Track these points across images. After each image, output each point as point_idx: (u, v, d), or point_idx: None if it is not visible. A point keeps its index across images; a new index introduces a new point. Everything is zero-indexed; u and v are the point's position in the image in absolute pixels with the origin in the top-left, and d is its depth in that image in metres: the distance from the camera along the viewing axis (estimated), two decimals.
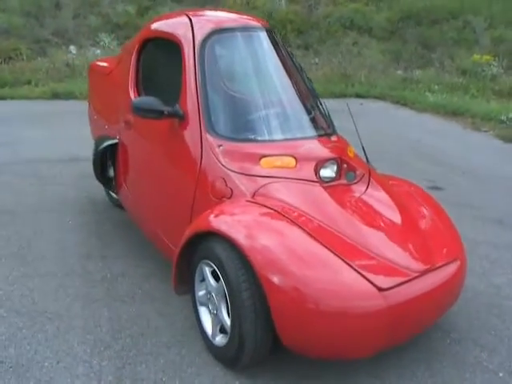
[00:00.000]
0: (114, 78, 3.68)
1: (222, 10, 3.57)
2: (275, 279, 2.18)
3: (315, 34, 13.06)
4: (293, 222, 2.38)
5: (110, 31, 11.80)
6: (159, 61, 3.41)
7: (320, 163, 2.69)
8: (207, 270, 2.53)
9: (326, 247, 2.29)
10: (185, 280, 2.70)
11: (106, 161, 3.60)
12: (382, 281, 2.25)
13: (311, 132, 2.88)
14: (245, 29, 3.02)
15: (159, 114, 2.81)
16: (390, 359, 2.60)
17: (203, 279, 2.61)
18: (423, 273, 2.38)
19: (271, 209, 2.44)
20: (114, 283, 3.22)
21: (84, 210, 4.32)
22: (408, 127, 7.88)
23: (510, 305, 3.20)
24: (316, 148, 2.80)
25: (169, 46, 3.12)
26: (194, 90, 2.82)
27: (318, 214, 2.47)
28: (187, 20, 3.05)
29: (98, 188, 4.60)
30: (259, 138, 2.76)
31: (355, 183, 2.76)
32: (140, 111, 2.83)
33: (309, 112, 2.94)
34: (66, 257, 3.51)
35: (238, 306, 2.27)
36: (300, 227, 2.36)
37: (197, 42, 2.89)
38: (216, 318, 2.50)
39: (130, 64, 3.41)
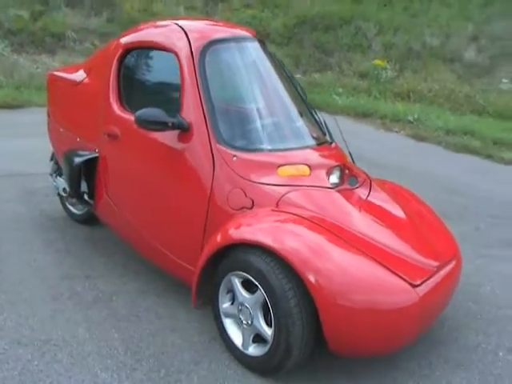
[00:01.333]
0: (87, 89, 3.52)
1: (197, 19, 3.55)
2: (323, 285, 2.25)
3: None
4: (325, 229, 2.46)
5: (2, 37, 11.05)
6: (146, 71, 3.32)
7: (329, 170, 2.80)
8: (237, 282, 2.53)
9: (361, 251, 2.40)
10: (200, 294, 2.67)
11: (81, 175, 3.43)
12: (413, 277, 2.41)
13: (315, 141, 2.98)
14: (240, 39, 3.06)
15: (164, 126, 2.76)
16: (403, 351, 2.74)
17: (228, 291, 2.61)
18: (438, 268, 2.58)
19: (301, 216, 2.51)
20: (110, 303, 3.09)
21: (44, 227, 4.07)
22: None
23: (481, 291, 3.51)
24: (325, 156, 2.91)
25: (159, 55, 3.07)
26: (197, 101, 2.79)
27: (341, 219, 2.58)
28: (179, 29, 3.01)
29: (50, 203, 4.39)
30: (272, 148, 2.81)
31: (357, 188, 2.90)
32: (144, 123, 2.76)
33: (310, 121, 3.04)
34: (45, 279, 3.30)
35: (284, 315, 2.31)
36: (333, 233, 2.45)
37: (195, 52, 2.87)
38: (250, 328, 2.51)
39: (110, 74, 3.28)
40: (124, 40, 3.33)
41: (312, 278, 2.26)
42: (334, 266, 2.32)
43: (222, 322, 2.67)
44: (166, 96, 3.14)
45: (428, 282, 2.46)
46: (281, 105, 3.00)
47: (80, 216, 4.12)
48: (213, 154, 2.73)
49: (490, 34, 13.44)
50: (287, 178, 2.70)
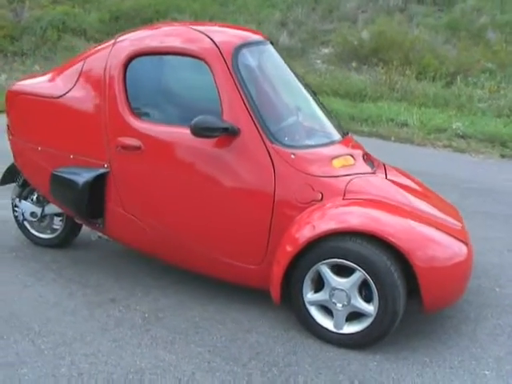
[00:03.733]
0: (77, 102, 3.22)
1: (204, 24, 3.53)
2: (419, 255, 2.60)
3: (30, 39, 12.20)
4: (398, 208, 2.80)
5: None
6: (165, 77, 3.21)
7: (363, 158, 3.13)
8: (328, 270, 2.73)
9: (427, 222, 2.80)
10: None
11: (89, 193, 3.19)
12: (463, 238, 2.89)
13: (342, 133, 3.25)
14: (259, 42, 3.16)
15: (221, 132, 2.79)
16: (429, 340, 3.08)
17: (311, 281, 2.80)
18: (463, 228, 3.10)
19: (375, 200, 2.80)
20: (162, 321, 3.01)
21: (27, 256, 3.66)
22: None
23: None
24: (354, 146, 3.21)
25: (179, 61, 3.04)
26: (241, 104, 2.86)
27: (396, 198, 2.93)
28: (201, 34, 3.01)
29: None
30: (319, 143, 3.02)
31: (377, 170, 3.26)
32: (202, 131, 2.75)
33: (330, 116, 3.29)
34: (74, 312, 3.05)
35: (390, 287, 2.60)
36: (405, 211, 2.80)
37: (227, 57, 2.91)
38: (346, 308, 2.73)
39: (114, 82, 3.09)
40: (127, 45, 3.15)
41: (411, 251, 2.59)
42: (422, 237, 2.68)
43: (307, 311, 2.83)
44: (194, 102, 3.11)
45: (467, 240, 2.95)
46: (309, 102, 3.21)
47: (49, 240, 3.79)
48: (270, 155, 2.84)
49: (294, 19, 14.74)
50: (341, 168, 2.94)
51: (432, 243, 2.70)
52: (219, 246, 2.99)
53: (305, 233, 2.70)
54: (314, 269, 2.75)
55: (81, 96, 3.23)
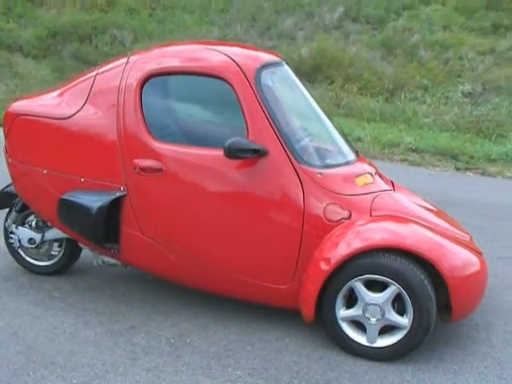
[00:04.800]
0: (88, 123, 3.12)
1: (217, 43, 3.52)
2: (449, 267, 2.74)
3: None
4: (422, 224, 2.93)
5: None
6: (180, 97, 3.17)
7: (378, 176, 3.25)
8: (361, 286, 2.80)
9: (445, 235, 2.95)
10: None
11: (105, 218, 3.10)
12: (477, 249, 3.07)
13: (355, 152, 3.34)
14: (277, 63, 3.21)
15: (253, 153, 2.81)
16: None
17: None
18: (471, 239, 3.28)
19: (400, 217, 2.92)
20: (189, 344, 2.96)
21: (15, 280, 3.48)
22: None
23: None
24: (368, 164, 3.32)
25: (199, 81, 3.04)
26: (266, 125, 2.90)
27: (417, 215, 3.06)
28: (221, 54, 3.03)
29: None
30: (341, 162, 3.11)
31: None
32: (236, 152, 2.77)
33: (344, 135, 3.38)
34: (97, 344, 2.93)
35: (425, 300, 2.71)
36: (428, 227, 2.94)
37: (250, 78, 2.94)
38: (379, 323, 2.81)
39: (130, 102, 3.01)
40: (143, 64, 3.09)
41: (442, 264, 2.71)
42: (448, 251, 2.82)
43: (340, 327, 2.88)
44: (216, 123, 3.10)
45: (479, 250, 3.13)
46: (325, 122, 3.27)
47: (46, 268, 3.64)
48: (298, 175, 2.89)
49: (234, 37, 14.88)
50: (364, 186, 3.04)
51: (456, 255, 2.85)
52: (247, 268, 2.98)
53: (340, 251, 2.76)
54: (347, 285, 2.80)
55: (92, 116, 3.14)
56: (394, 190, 3.28)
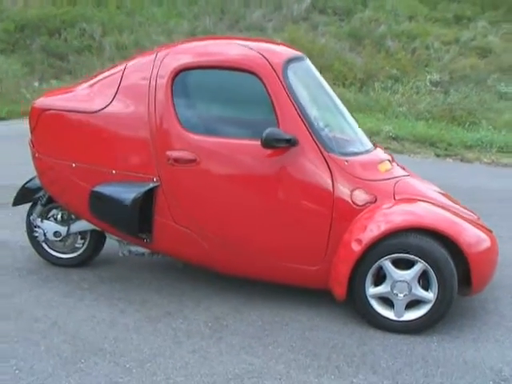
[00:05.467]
0: (119, 116, 3.20)
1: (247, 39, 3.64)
2: (469, 244, 2.98)
3: None
4: (440, 205, 3.16)
5: None
6: (210, 90, 3.28)
7: (394, 162, 3.46)
8: (390, 264, 3.01)
9: (465, 219, 3.18)
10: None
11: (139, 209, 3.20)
12: (487, 228, 3.32)
13: (371, 141, 3.54)
14: (301, 57, 3.36)
15: (287, 143, 2.98)
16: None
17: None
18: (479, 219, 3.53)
19: (424, 200, 3.14)
20: (224, 331, 3.10)
21: (40, 273, 3.54)
22: None
23: None
24: (384, 151, 3.52)
25: (228, 75, 3.18)
26: (296, 116, 3.06)
27: (433, 197, 3.29)
28: (250, 50, 3.17)
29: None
30: (364, 150, 3.29)
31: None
32: (273, 142, 2.93)
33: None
34: (139, 331, 3.05)
35: (450, 276, 2.94)
36: (446, 208, 3.17)
37: (278, 71, 3.10)
38: (406, 298, 3.02)
39: (163, 95, 3.13)
40: (174, 58, 3.20)
41: (463, 241, 2.95)
42: (465, 229, 3.05)
43: (369, 304, 3.08)
44: (245, 114, 3.25)
45: (489, 229, 3.38)
46: (345, 113, 3.45)
47: (70, 260, 3.72)
48: (327, 163, 3.07)
49: (203, 29, 14.92)
50: (386, 172, 3.24)
51: (472, 233, 3.08)
52: (280, 251, 3.15)
53: (370, 232, 2.95)
54: (376, 264, 3.00)
55: (122, 110, 3.23)
56: (409, 175, 3.49)
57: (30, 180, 3.72)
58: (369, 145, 3.40)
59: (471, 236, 3.05)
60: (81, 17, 13.75)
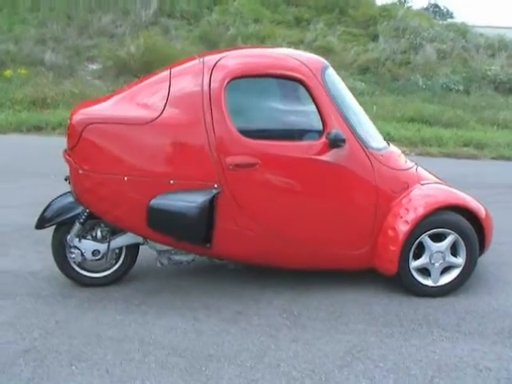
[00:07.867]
0: (173, 125, 3.25)
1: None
2: (483, 218, 3.68)
3: None
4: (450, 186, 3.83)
5: None
6: (260, 97, 3.49)
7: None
8: (428, 239, 3.56)
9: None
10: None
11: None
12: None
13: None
14: (328, 65, 3.70)
15: (343, 142, 3.36)
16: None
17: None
18: None
19: (442, 183, 3.77)
20: (299, 321, 3.38)
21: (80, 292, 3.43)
22: None
23: None
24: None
25: (274, 82, 3.53)
26: (340, 118, 3.45)
27: (439, 181, 3.92)
28: (293, 59, 3.50)
29: None
30: (385, 145, 3.79)
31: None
32: (339, 142, 3.30)
33: None
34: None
35: (474, 245, 3.61)
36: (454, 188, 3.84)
37: (319, 78, 3.46)
38: (441, 265, 3.60)
39: (218, 103, 3.27)
40: (225, 66, 3.36)
41: (481, 215, 3.66)
42: (476, 204, 3.75)
43: (413, 276, 3.61)
44: (293, 118, 3.53)
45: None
46: (364, 114, 3.88)
47: (104, 279, 3.64)
48: (369, 157, 3.52)
49: (51, 36, 14.16)
50: (406, 163, 3.79)
51: (480, 206, 3.77)
52: (335, 240, 3.52)
53: (415, 213, 3.47)
54: (418, 240, 3.54)
55: (176, 119, 3.28)
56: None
57: (54, 201, 3.55)
58: (384, 141, 3.91)
59: (482, 210, 3.73)
60: None
